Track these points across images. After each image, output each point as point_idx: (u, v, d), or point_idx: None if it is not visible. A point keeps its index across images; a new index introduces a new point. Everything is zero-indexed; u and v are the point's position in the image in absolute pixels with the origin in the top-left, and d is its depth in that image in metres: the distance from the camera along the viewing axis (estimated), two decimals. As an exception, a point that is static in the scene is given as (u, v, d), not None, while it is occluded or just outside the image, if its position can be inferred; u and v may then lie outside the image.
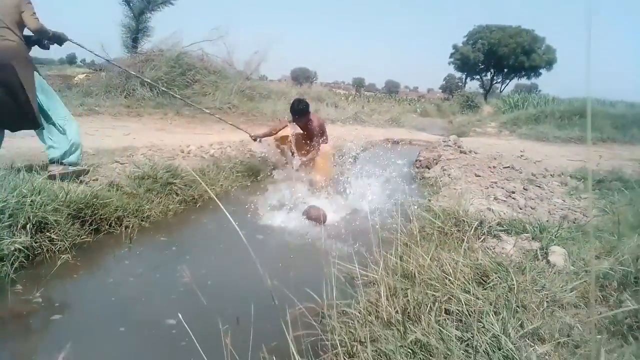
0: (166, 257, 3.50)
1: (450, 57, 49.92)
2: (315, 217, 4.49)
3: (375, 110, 19.10)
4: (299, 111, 5.83)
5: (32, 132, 4.20)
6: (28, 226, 3.05)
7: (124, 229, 3.76)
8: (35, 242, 3.07)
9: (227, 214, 1.37)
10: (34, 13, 3.82)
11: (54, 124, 4.12)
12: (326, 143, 6.08)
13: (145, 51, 13.96)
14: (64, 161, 4.13)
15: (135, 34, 17.11)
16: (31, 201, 3.14)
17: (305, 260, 3.54)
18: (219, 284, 3.07)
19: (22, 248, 2.92)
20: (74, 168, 4.16)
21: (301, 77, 54.77)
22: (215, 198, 1.50)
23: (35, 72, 3.95)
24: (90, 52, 5.34)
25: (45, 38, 4.05)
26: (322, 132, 6.08)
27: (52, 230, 3.20)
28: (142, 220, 3.97)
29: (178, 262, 3.34)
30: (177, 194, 4.55)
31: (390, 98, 47.53)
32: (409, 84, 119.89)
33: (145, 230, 3.90)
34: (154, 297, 2.84)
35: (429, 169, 7.41)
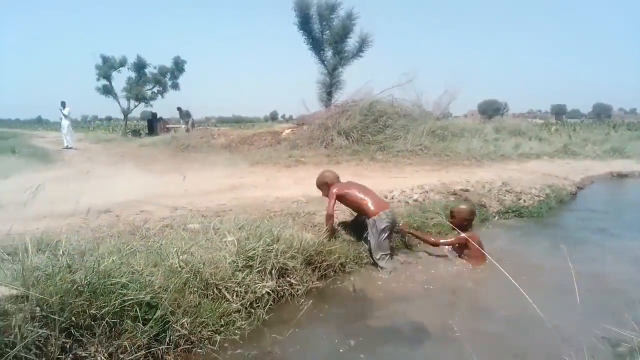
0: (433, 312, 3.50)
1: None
2: None
3: (587, 140, 16.68)
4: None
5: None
6: (273, 272, 3.46)
7: (346, 275, 3.97)
8: (279, 287, 3.45)
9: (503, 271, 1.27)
10: None
11: None
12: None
13: (340, 103, 15.16)
14: None
15: (330, 88, 18.87)
16: (274, 249, 3.56)
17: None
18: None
19: (270, 291, 3.31)
20: None
21: (490, 109, 51.81)
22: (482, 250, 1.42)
23: None
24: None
25: None
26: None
27: (291, 276, 3.56)
28: (360, 267, 4.14)
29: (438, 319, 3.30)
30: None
31: (602, 124, 40.89)
32: (623, 105, 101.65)
33: (365, 278, 4.03)
34: None
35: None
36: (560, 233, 5.82)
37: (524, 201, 6.96)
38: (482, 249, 4.16)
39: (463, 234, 4.40)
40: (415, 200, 6.20)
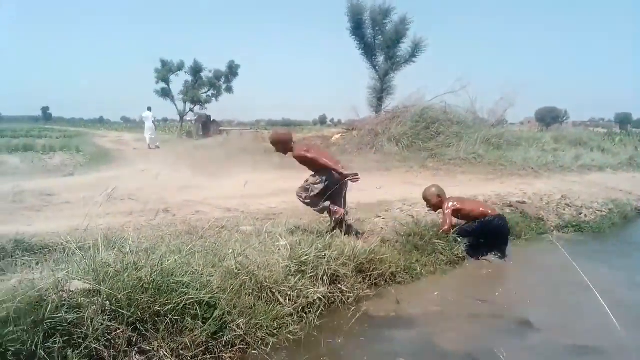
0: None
1: None
2: None
3: (656, 152, 15.56)
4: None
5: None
6: (325, 278, 3.49)
7: (397, 285, 3.94)
8: (330, 293, 3.48)
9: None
10: None
11: None
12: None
13: (391, 109, 15.06)
14: None
15: (380, 93, 18.75)
16: (326, 255, 3.59)
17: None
18: None
19: (322, 297, 3.35)
20: None
21: (548, 117, 49.29)
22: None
23: None
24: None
25: None
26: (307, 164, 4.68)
27: (342, 283, 3.58)
28: (412, 278, 4.10)
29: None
30: (442, 254, 4.55)
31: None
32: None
33: (415, 290, 3.97)
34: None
35: None
36: (623, 250, 5.52)
37: (585, 216, 6.62)
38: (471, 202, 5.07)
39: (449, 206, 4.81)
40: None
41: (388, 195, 7.73)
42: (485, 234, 4.82)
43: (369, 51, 19.08)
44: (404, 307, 3.61)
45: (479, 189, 7.89)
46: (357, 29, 18.77)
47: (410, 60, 18.63)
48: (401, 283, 3.99)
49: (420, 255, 4.44)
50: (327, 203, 4.52)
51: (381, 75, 18.88)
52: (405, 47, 18.78)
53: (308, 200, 4.56)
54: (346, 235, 4.41)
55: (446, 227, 4.76)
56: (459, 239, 4.78)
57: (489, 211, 4.89)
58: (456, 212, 4.87)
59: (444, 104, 14.14)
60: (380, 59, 19.12)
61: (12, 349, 2.09)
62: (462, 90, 14.33)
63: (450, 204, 4.87)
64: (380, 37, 18.78)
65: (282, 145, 4.72)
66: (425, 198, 5.12)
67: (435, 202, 5.00)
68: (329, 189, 4.46)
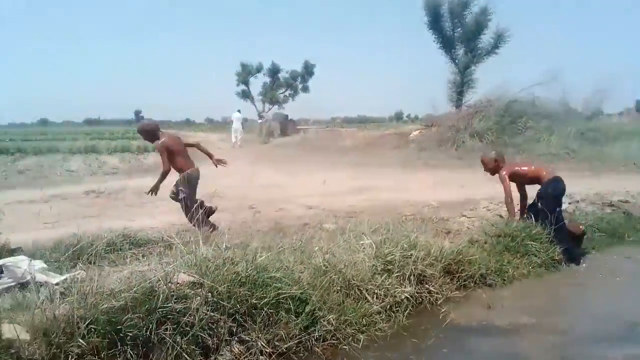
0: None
1: None
2: None
3: None
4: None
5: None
6: (412, 278, 3.45)
7: (488, 287, 3.80)
8: (417, 293, 3.44)
9: None
10: None
11: None
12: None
13: (473, 103, 14.50)
14: None
15: (461, 87, 18.08)
16: (413, 255, 3.55)
17: None
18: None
19: (409, 297, 3.32)
20: None
21: (651, 107, 44.23)
22: None
23: None
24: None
25: None
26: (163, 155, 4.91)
27: (429, 283, 3.52)
28: (503, 280, 3.92)
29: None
30: (535, 256, 4.30)
31: None
32: None
33: (506, 296, 3.78)
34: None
35: None
36: None
37: (702, 216, 5.90)
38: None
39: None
40: (563, 211, 5.65)
41: (472, 193, 7.43)
42: (547, 201, 4.66)
43: (447, 44, 18.48)
44: (494, 313, 3.44)
45: (573, 187, 7.30)
46: (435, 22, 18.26)
47: (492, 52, 17.78)
48: (492, 285, 3.82)
49: (511, 257, 4.22)
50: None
51: (461, 69, 18.20)
52: (486, 38, 17.96)
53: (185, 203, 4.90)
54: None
55: (507, 191, 4.77)
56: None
57: (544, 172, 4.82)
58: (511, 177, 4.84)
59: (532, 96, 13.33)
60: (460, 51, 18.45)
61: (130, 334, 2.31)
62: (552, 81, 13.38)
63: (504, 172, 4.84)
64: (459, 29, 18.12)
65: (147, 134, 5.01)
66: (482, 161, 5.13)
67: (491, 166, 5.00)
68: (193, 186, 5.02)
